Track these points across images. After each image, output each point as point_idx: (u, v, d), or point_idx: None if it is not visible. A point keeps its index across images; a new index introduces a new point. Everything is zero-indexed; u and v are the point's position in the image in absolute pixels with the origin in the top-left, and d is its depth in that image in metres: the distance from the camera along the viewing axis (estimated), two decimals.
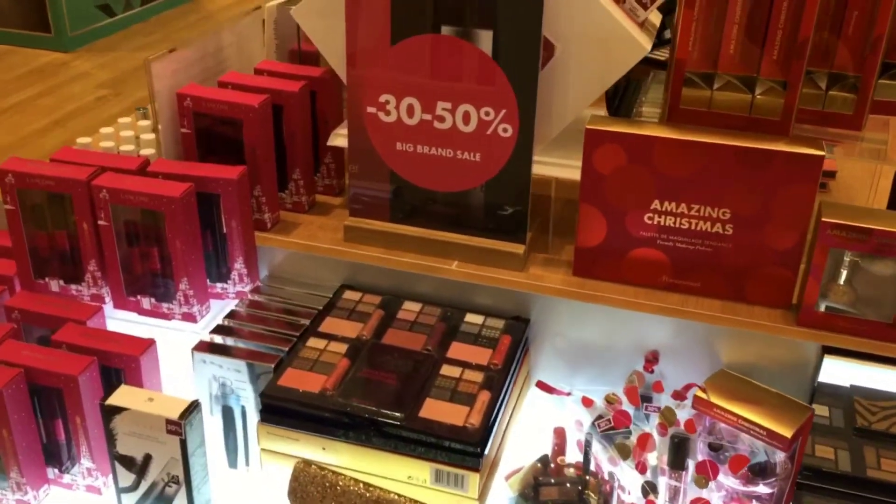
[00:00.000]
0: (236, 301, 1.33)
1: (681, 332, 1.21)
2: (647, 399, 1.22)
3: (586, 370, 1.27)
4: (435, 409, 1.08)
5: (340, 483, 1.01)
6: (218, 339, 1.20)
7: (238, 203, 1.24)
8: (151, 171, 1.26)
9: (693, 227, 1.16)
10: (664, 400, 1.22)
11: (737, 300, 1.18)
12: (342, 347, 1.18)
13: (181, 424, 1.06)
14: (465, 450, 1.04)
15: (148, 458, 1.10)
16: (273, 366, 1.14)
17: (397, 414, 1.06)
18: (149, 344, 1.19)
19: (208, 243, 1.29)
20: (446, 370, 1.15)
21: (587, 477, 1.15)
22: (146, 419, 1.08)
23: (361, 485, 1.01)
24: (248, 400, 1.17)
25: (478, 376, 1.14)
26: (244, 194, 1.26)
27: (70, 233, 1.28)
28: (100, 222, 1.23)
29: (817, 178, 1.09)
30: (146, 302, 1.28)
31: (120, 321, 1.31)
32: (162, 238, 1.24)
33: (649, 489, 1.15)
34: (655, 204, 1.17)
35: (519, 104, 1.17)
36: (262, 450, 1.13)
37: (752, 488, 1.12)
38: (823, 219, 1.08)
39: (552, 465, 1.18)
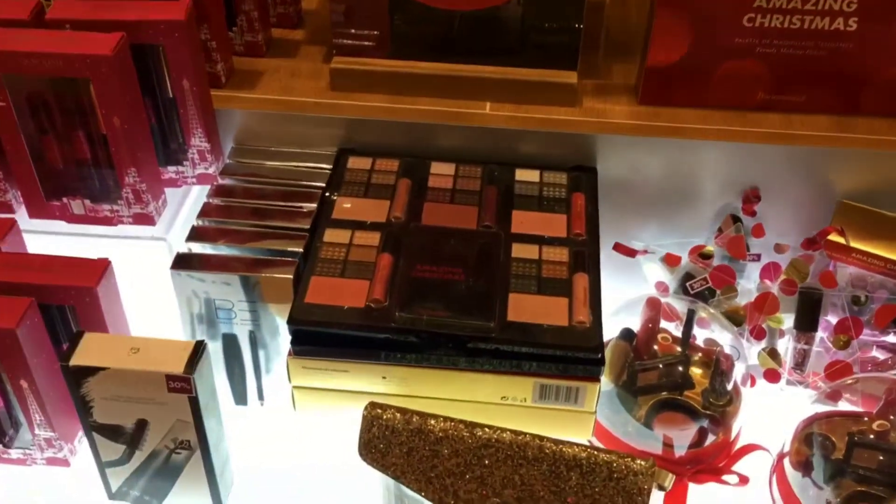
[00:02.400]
0: (198, 188, 0.99)
1: (783, 160, 0.97)
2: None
3: (665, 222, 1.03)
4: (525, 307, 0.82)
5: (432, 427, 0.74)
6: (198, 246, 0.88)
7: (189, 53, 0.88)
8: (53, 20, 0.87)
9: (807, 26, 0.90)
10: (764, 248, 0.99)
11: (849, 113, 0.95)
12: (374, 237, 0.88)
13: (189, 379, 0.76)
14: (580, 357, 0.79)
15: (142, 425, 0.80)
16: (291, 277, 0.84)
17: (485, 323, 0.79)
18: (104, 267, 0.85)
19: (150, 114, 0.93)
20: (519, 251, 0.87)
21: (688, 352, 0.93)
22: (135, 378, 0.77)
23: (461, 426, 0.75)
24: (256, 323, 0.87)
25: (562, 253, 0.87)
26: (195, 40, 0.90)
27: None
28: None
29: None
30: (77, 205, 0.92)
31: (39, 235, 0.95)
32: (89, 115, 0.87)
33: (770, 357, 0.95)
34: (760, 0, 0.89)
35: None
36: (295, 388, 0.84)
37: (887, 338, 0.94)
38: None
39: (636, 343, 0.95)
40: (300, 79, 1.00)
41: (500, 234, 0.89)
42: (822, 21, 0.90)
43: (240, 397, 0.93)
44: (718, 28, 0.91)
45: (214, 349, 0.89)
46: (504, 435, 0.75)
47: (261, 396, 0.93)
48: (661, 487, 0.73)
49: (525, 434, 0.74)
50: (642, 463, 0.73)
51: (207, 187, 0.96)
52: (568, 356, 0.79)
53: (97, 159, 0.90)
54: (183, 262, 0.85)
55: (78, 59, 0.82)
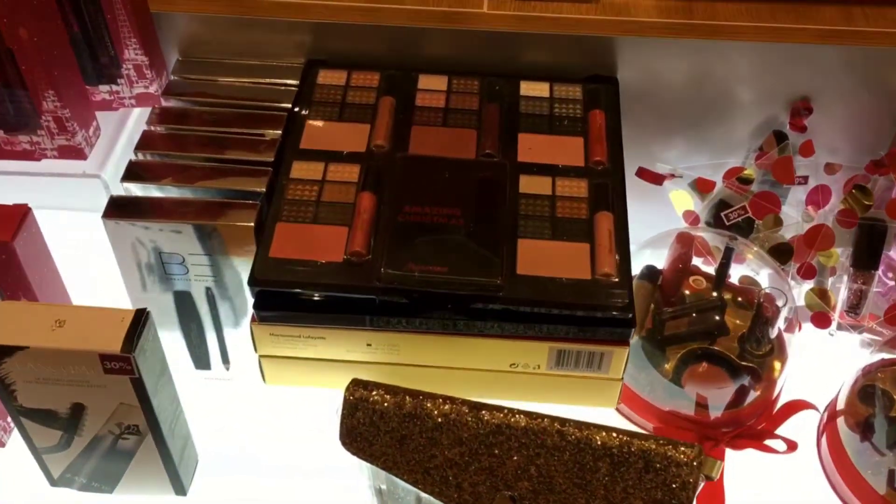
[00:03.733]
0: (138, 111, 0.82)
1: (840, 63, 0.81)
2: None
3: (695, 139, 0.87)
4: (539, 257, 0.67)
5: (429, 410, 0.61)
6: (137, 187, 0.72)
7: None
8: None
9: None
10: (811, 167, 0.84)
11: None
12: (352, 171, 0.73)
13: (129, 359, 0.62)
14: (606, 317, 0.65)
15: (79, 410, 0.66)
16: (252, 224, 0.68)
17: (490, 279, 0.65)
18: (23, 214, 0.69)
19: (71, 21, 0.75)
20: (529, 185, 0.72)
21: (724, 295, 0.79)
22: (63, 358, 0.62)
23: (465, 409, 0.61)
24: (214, 278, 0.72)
25: (580, 187, 0.72)
26: None
27: None
28: None
29: None
30: None
31: None
32: None
33: (820, 298, 0.81)
34: None
35: None
36: (263, 357, 0.70)
37: None
38: None
39: (661, 283, 0.81)
40: None
41: (504, 165, 0.73)
42: None
43: (200, 361, 0.79)
44: None
45: (166, 308, 0.74)
46: (517, 419, 0.61)
47: (225, 360, 0.79)
48: (708, 478, 0.60)
49: (543, 417, 0.61)
50: (687, 451, 0.60)
51: (149, 110, 0.80)
52: (592, 317, 0.65)
53: (7, 80, 0.73)
54: (119, 208, 0.69)
55: None
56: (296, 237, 0.68)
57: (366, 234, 0.67)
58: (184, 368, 0.79)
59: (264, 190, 0.71)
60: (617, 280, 0.66)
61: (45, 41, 0.69)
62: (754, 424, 0.77)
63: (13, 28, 0.68)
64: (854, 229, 0.78)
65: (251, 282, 0.66)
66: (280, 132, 0.76)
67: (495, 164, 0.73)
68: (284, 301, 0.66)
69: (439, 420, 0.62)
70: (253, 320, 0.67)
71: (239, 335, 0.76)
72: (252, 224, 0.68)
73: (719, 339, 0.79)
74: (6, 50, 0.70)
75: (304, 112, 0.77)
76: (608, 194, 0.71)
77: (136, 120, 0.83)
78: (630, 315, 0.65)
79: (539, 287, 0.65)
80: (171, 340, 0.76)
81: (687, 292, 0.81)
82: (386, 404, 0.62)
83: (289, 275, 0.66)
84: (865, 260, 0.79)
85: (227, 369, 0.80)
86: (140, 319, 0.63)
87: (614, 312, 0.65)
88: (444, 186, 0.71)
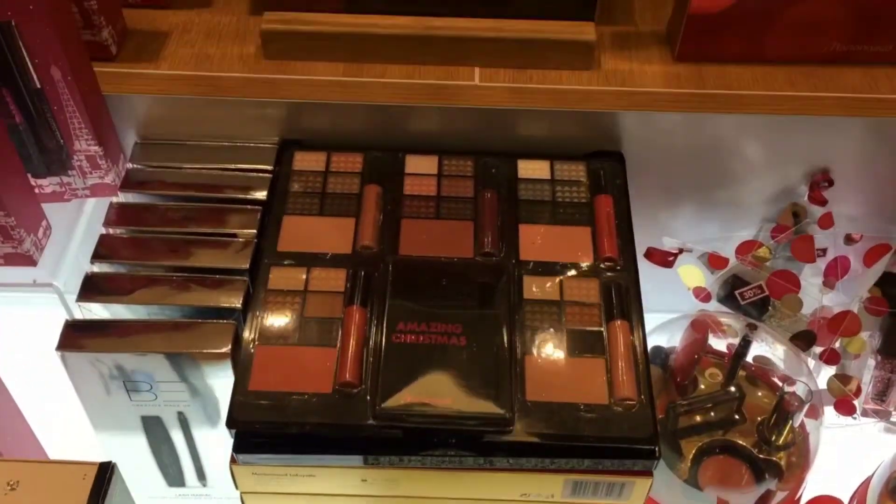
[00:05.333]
0: (93, 201, 0.74)
1: (864, 132, 0.75)
2: None
3: (705, 213, 0.81)
4: (548, 378, 0.61)
5: None
6: (95, 308, 0.64)
7: (54, 29, 0.62)
8: None
9: None
10: (830, 238, 0.78)
11: None
12: (338, 278, 0.65)
13: None
14: (626, 449, 0.59)
15: None
16: (228, 350, 0.61)
17: (498, 409, 0.58)
18: None
19: (12, 111, 0.67)
20: (533, 288, 0.65)
21: (739, 384, 0.74)
22: None
23: None
24: (186, 403, 0.64)
25: (590, 290, 0.65)
26: (61, 9, 0.63)
27: None
28: None
29: None
30: None
31: None
32: None
33: (842, 383, 0.76)
34: None
35: None
36: (245, 493, 0.63)
37: None
38: None
39: (672, 367, 0.76)
40: (220, 41, 0.74)
41: (506, 266, 0.66)
42: None
43: (173, 480, 0.72)
44: None
45: (133, 428, 0.67)
46: None
47: (201, 476, 0.72)
48: None
49: None
50: None
51: (107, 200, 0.71)
52: (612, 448, 0.59)
53: None
54: (77, 334, 0.61)
55: None
56: (278, 363, 0.61)
57: (357, 361, 0.60)
58: (155, 485, 0.72)
59: (240, 306, 0.63)
60: (638, 404, 0.59)
61: None
62: None
63: None
64: (883, 317, 0.72)
65: (229, 423, 0.58)
66: (255, 231, 0.68)
67: (496, 265, 0.66)
68: (266, 440, 0.59)
69: None
70: (233, 461, 0.60)
71: (214, 450, 0.69)
72: (228, 350, 0.61)
73: (733, 428, 0.74)
74: None
75: (280, 206, 0.69)
76: (623, 297, 0.65)
77: (93, 209, 0.75)
78: (655, 447, 0.58)
79: (552, 417, 0.59)
80: (139, 458, 0.69)
81: (699, 379, 0.75)
82: None
83: (272, 412, 0.59)
84: (894, 348, 0.73)
85: (204, 485, 0.73)
86: (104, 475, 0.56)
87: (640, 444, 0.58)
88: (441, 296, 0.64)
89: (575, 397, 0.60)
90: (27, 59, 0.64)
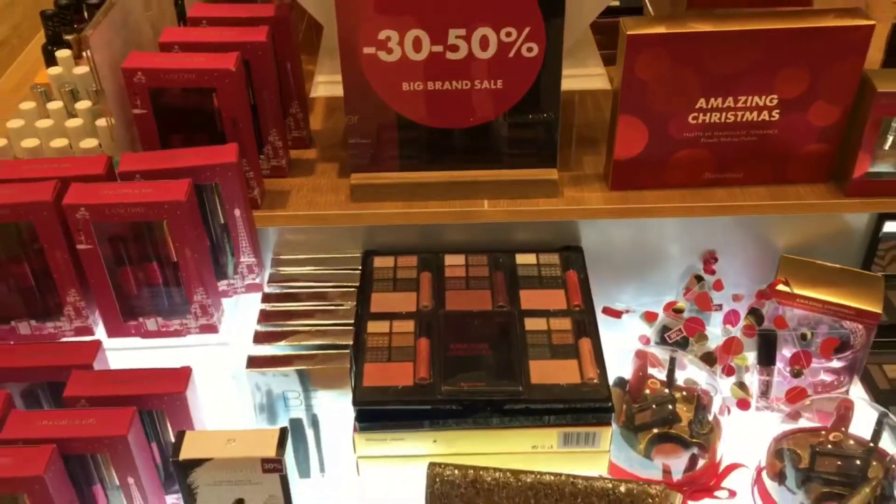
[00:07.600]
0: (246, 294, 1.15)
1: (732, 226, 1.18)
2: None
3: (641, 284, 1.23)
4: (544, 371, 1.00)
5: (483, 477, 0.92)
6: (267, 349, 1.04)
7: (239, 188, 1.06)
8: (125, 172, 1.03)
9: (739, 119, 1.11)
10: (724, 298, 1.20)
11: (778, 183, 1.16)
12: (409, 325, 1.06)
13: (281, 461, 0.92)
14: (594, 407, 0.98)
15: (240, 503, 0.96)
16: (347, 366, 1.01)
17: (515, 388, 0.97)
18: (188, 374, 1.01)
19: (208, 239, 1.10)
20: (531, 324, 1.06)
21: (673, 392, 1.12)
22: (235, 465, 0.93)
23: (509, 474, 0.92)
24: (319, 407, 1.03)
25: (565, 323, 1.06)
26: (242, 176, 1.07)
27: (33, 264, 1.04)
28: (79, 246, 1.01)
29: (866, 50, 1.07)
30: (151, 323, 1.08)
31: (114, 352, 1.10)
32: (162, 248, 1.04)
33: (740, 389, 1.14)
34: (701, 102, 1.10)
35: (545, 18, 1.04)
36: (360, 457, 1.01)
37: (831, 363, 1.14)
38: (879, 90, 1.06)
39: (629, 388, 1.14)
40: (322, 193, 1.18)
41: (513, 312, 1.07)
42: (752, 114, 1.11)
43: (303, 471, 1.09)
44: (670, 126, 1.12)
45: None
46: (545, 477, 0.92)
47: (322, 469, 1.09)
48: None
49: (561, 474, 0.92)
50: (656, 488, 0.91)
51: (255, 294, 1.13)
52: (584, 408, 0.97)
53: (167, 283, 1.07)
54: (256, 364, 1.01)
55: (156, 205, 0.98)
56: (378, 372, 1.01)
57: (427, 366, 1.00)
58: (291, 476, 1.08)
59: (351, 342, 1.04)
60: (598, 382, 0.99)
61: (199, 255, 1.03)
62: (705, 482, 1.09)
63: (181, 249, 1.01)
64: (755, 338, 1.13)
65: (355, 402, 0.97)
66: (353, 303, 1.10)
67: (507, 312, 1.08)
68: (376, 415, 0.98)
69: (492, 484, 0.93)
70: (355, 430, 0.99)
71: (331, 449, 1.07)
72: (346, 366, 1.01)
73: (674, 424, 1.11)
74: (172, 263, 1.04)
75: (370, 288, 1.12)
76: (585, 326, 1.06)
77: (243, 301, 1.17)
78: (610, 404, 0.97)
79: (547, 391, 0.98)
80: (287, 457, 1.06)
81: (647, 391, 1.14)
82: (455, 476, 0.93)
83: (378, 397, 0.98)
84: (766, 359, 1.13)
85: (323, 476, 1.10)
86: (284, 434, 0.94)
87: (600, 403, 0.98)
88: (474, 330, 1.05)
89: (560, 380, 0.99)
90: (218, 206, 1.08)
